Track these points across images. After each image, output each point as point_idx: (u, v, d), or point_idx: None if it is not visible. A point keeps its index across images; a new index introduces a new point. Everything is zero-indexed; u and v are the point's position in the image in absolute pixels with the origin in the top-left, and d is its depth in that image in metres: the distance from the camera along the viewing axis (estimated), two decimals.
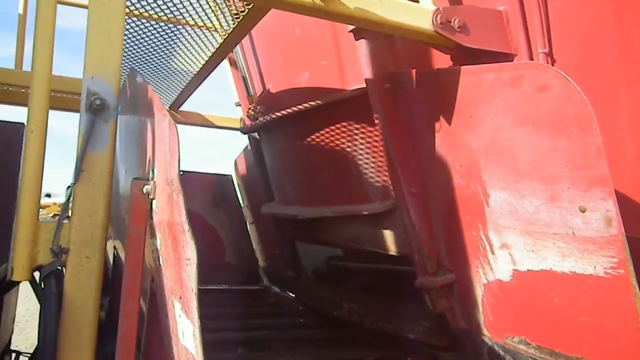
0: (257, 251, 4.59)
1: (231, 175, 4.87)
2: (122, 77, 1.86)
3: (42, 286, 1.57)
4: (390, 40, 2.23)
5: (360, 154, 2.54)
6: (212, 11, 2.54)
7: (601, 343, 1.50)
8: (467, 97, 1.85)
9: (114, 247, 2.69)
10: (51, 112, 1.68)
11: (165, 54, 3.18)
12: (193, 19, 2.63)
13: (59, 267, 1.60)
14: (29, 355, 3.02)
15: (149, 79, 3.56)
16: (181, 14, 2.54)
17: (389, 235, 2.51)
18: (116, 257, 2.69)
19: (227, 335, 2.89)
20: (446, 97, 1.92)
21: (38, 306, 1.64)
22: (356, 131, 2.53)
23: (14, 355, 3.46)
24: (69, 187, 1.64)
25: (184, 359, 1.20)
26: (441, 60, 2.16)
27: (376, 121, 2.22)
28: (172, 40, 2.95)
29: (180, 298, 1.21)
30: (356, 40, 2.19)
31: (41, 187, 1.63)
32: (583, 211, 1.47)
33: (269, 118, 3.17)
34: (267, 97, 3.31)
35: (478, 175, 1.84)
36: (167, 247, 1.36)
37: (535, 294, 1.69)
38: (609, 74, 1.86)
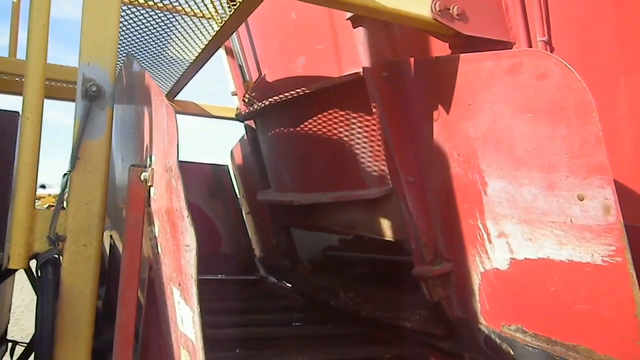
0: (254, 241, 4.59)
1: (227, 166, 4.86)
2: (118, 64, 1.85)
3: (39, 274, 1.57)
4: (388, 28, 2.22)
5: (356, 140, 2.53)
6: None
7: (598, 331, 1.50)
8: (466, 85, 1.84)
9: (111, 237, 2.68)
10: (45, 102, 1.67)
11: (161, 42, 3.15)
12: (190, 7, 2.60)
13: (56, 255, 1.59)
14: (26, 344, 3.02)
15: (144, 67, 3.53)
16: (177, 0, 2.51)
17: (385, 221, 2.51)
18: (113, 247, 2.69)
19: (224, 325, 2.89)
20: (444, 85, 1.91)
21: (34, 297, 1.64)
22: (352, 116, 2.52)
23: (10, 344, 3.45)
24: (65, 175, 1.63)
25: (183, 345, 1.20)
26: (440, 48, 2.15)
27: (374, 110, 2.21)
28: (168, 28, 2.93)
29: (180, 285, 1.21)
30: (354, 27, 2.17)
31: (37, 174, 1.62)
32: (581, 199, 1.47)
33: (264, 104, 3.16)
34: (263, 82, 3.30)
35: (476, 163, 1.83)
36: (165, 234, 1.36)
37: (532, 283, 1.70)
38: (608, 62, 1.85)
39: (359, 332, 2.89)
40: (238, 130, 4.20)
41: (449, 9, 1.94)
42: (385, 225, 2.51)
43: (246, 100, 3.45)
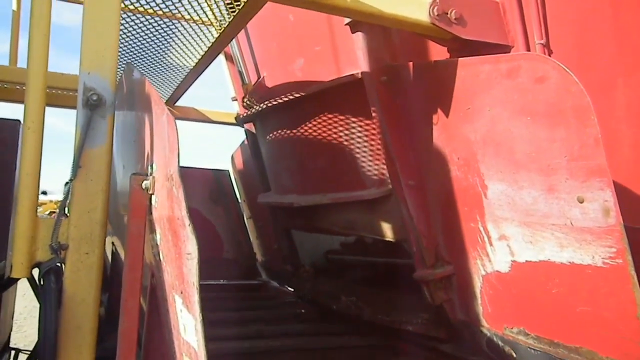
0: (255, 246, 4.60)
1: (228, 171, 4.87)
2: (119, 72, 1.85)
3: (42, 282, 1.57)
4: (386, 33, 2.23)
5: (355, 140, 2.53)
6: (208, 5, 2.53)
7: (600, 332, 1.51)
8: (465, 89, 1.85)
9: (112, 243, 2.69)
10: (46, 110, 1.67)
11: (161, 49, 3.16)
12: (189, 14, 2.61)
13: (58, 264, 1.60)
14: (29, 352, 3.02)
15: (144, 74, 3.54)
16: (176, 8, 2.53)
17: (384, 221, 2.51)
18: (114, 253, 2.69)
19: (225, 330, 2.89)
20: (443, 89, 1.92)
21: (36, 304, 1.64)
22: (351, 117, 2.53)
23: (13, 352, 3.46)
24: (67, 183, 1.64)
25: (185, 353, 1.20)
26: (438, 53, 2.16)
27: (373, 114, 2.22)
28: (168, 35, 2.94)
29: (182, 293, 1.21)
30: (353, 33, 2.18)
31: (39, 183, 1.63)
32: (581, 202, 1.47)
33: (264, 106, 3.16)
34: (261, 85, 3.30)
35: (476, 167, 1.84)
36: (167, 242, 1.36)
37: (533, 285, 1.70)
38: (606, 64, 1.86)
39: (375, 344, 2.86)
40: (238, 135, 4.21)
41: (447, 14, 1.95)
42: (385, 225, 2.51)
43: (245, 103, 3.45)
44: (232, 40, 3.17)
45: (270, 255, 4.31)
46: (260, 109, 3.24)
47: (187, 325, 1.18)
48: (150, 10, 2.62)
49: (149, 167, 1.54)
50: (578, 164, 1.47)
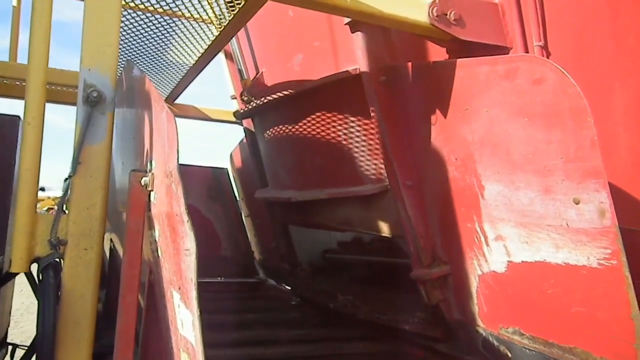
0: (253, 244, 4.60)
1: (227, 169, 4.87)
2: (119, 69, 1.86)
3: (40, 278, 1.58)
4: (386, 33, 2.23)
5: (353, 136, 2.54)
6: (208, 3, 2.53)
7: (594, 333, 1.52)
8: (463, 90, 1.86)
9: (110, 240, 2.69)
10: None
11: (161, 46, 3.17)
12: (189, 11, 2.62)
13: (57, 259, 1.61)
14: (26, 347, 3.02)
15: (144, 71, 3.55)
16: (177, 5, 2.53)
17: (381, 217, 2.52)
18: (112, 249, 2.70)
19: (223, 325, 2.90)
20: (442, 90, 1.93)
21: (32, 300, 1.65)
22: (348, 113, 2.53)
23: (10, 348, 3.46)
24: (66, 179, 1.65)
25: (183, 348, 1.21)
26: (437, 53, 2.17)
27: (372, 114, 2.22)
28: (168, 32, 2.94)
29: (180, 289, 1.22)
30: (352, 32, 2.19)
31: (38, 179, 1.63)
32: (577, 203, 1.48)
33: (262, 102, 3.16)
34: (260, 80, 3.30)
35: (473, 167, 1.85)
36: (165, 239, 1.37)
37: (529, 285, 1.71)
38: (603, 67, 1.87)
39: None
40: (237, 133, 4.22)
41: (446, 15, 1.96)
42: (381, 221, 2.52)
43: (244, 98, 3.45)
44: (232, 38, 3.18)
45: (267, 253, 4.32)
46: (258, 104, 3.24)
47: (184, 320, 1.19)
48: (151, 8, 2.63)
49: (148, 164, 1.55)
50: (574, 165, 1.48)
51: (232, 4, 2.13)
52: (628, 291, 1.40)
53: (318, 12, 2.42)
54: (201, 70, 3.28)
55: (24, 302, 7.58)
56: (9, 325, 3.81)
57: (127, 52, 3.25)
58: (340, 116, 2.57)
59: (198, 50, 3.06)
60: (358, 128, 2.51)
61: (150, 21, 2.80)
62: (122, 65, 2.49)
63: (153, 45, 3.15)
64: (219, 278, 4.42)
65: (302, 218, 3.36)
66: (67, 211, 1.65)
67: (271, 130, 3.27)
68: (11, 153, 2.80)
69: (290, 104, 2.92)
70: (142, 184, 1.52)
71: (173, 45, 3.12)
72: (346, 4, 1.82)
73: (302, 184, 3.09)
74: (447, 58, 2.13)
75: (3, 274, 2.29)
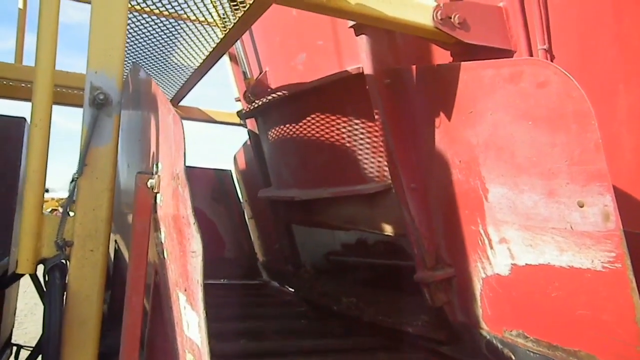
0: (256, 246, 4.61)
1: (230, 171, 4.88)
2: (125, 72, 1.87)
3: (46, 279, 1.59)
4: (390, 36, 2.24)
5: (356, 135, 2.54)
6: (213, 6, 2.55)
7: (598, 336, 1.51)
8: (467, 93, 1.87)
9: (115, 241, 2.70)
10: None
11: (166, 49, 3.18)
12: (194, 14, 2.63)
13: (63, 260, 1.62)
14: (30, 348, 3.03)
15: (149, 73, 3.56)
16: (182, 8, 2.55)
17: (384, 216, 2.52)
18: (117, 251, 2.71)
19: (228, 329, 2.91)
20: (446, 93, 1.93)
21: (37, 301, 1.66)
22: (352, 112, 2.53)
23: (15, 348, 3.47)
24: (72, 181, 1.66)
25: (188, 350, 1.21)
26: (441, 56, 2.18)
27: (376, 117, 2.23)
28: (173, 35, 2.96)
29: (185, 290, 1.23)
30: (357, 35, 2.20)
31: (45, 181, 1.65)
32: (581, 206, 1.48)
33: (265, 100, 3.17)
34: (264, 79, 3.31)
35: (477, 170, 1.85)
36: (172, 241, 1.38)
37: (533, 288, 1.71)
38: (608, 70, 1.87)
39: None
40: (241, 136, 4.23)
41: (451, 18, 1.96)
42: (385, 219, 2.52)
43: (247, 97, 3.45)
44: (236, 41, 3.19)
45: (271, 255, 4.32)
46: (262, 103, 3.25)
47: (190, 322, 1.20)
48: (157, 11, 2.65)
49: (154, 166, 1.56)
50: (578, 168, 1.48)
51: (236, 7, 2.14)
52: (632, 294, 1.40)
53: None
54: (205, 73, 3.29)
55: (27, 302, 7.61)
56: (13, 326, 3.82)
57: (132, 54, 3.27)
58: (344, 115, 2.58)
59: (203, 53, 3.08)
60: (361, 126, 2.51)
61: (156, 24, 2.82)
62: (128, 68, 2.51)
63: (158, 47, 3.16)
64: (223, 280, 4.42)
65: (305, 217, 3.36)
66: (72, 212, 1.66)
67: (274, 129, 3.28)
68: (17, 155, 2.81)
69: (294, 102, 2.93)
70: (149, 186, 1.53)
71: (178, 48, 3.13)
72: (351, 7, 1.83)
73: (305, 183, 3.10)
74: (451, 61, 2.13)
75: (9, 275, 2.30)
